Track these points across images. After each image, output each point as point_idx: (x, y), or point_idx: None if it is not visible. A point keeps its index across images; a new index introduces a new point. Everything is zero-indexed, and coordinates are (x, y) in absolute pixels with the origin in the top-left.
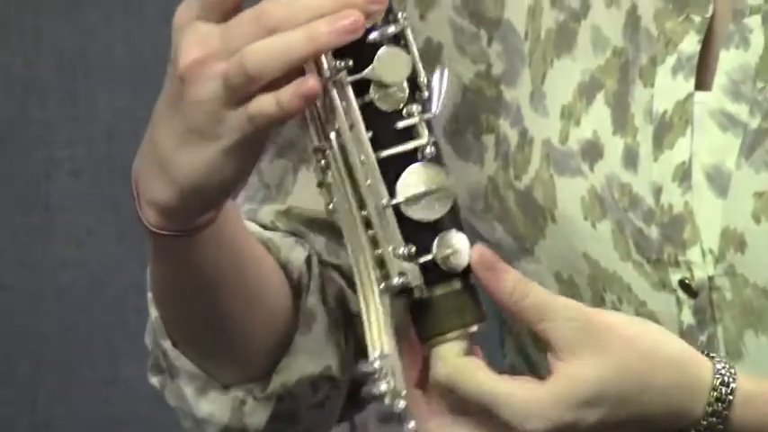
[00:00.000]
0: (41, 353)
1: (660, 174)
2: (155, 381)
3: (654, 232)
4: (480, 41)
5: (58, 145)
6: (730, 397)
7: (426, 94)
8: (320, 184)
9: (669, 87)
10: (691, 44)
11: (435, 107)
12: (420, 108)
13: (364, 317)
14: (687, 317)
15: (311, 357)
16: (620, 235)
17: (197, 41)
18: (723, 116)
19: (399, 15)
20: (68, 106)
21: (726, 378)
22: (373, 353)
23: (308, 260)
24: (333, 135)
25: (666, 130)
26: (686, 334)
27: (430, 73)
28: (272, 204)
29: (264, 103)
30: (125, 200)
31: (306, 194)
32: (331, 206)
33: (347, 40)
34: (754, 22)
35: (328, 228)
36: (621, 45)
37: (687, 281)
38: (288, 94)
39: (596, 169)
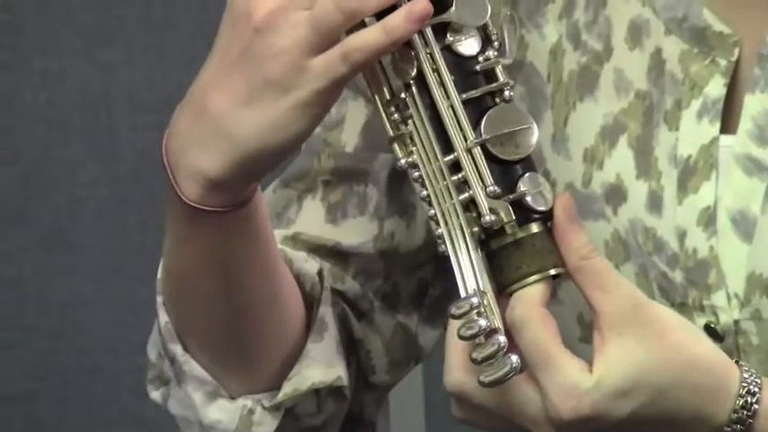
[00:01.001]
0: (65, 393)
1: (684, 218)
2: (156, 395)
3: (678, 276)
4: None
5: (81, 184)
6: (756, 406)
7: (497, 43)
8: (392, 140)
9: (694, 131)
10: (716, 88)
11: (509, 52)
12: (496, 53)
13: (454, 264)
14: None
15: (323, 365)
16: (644, 279)
17: None
18: (748, 161)
19: None
20: (91, 146)
21: (752, 387)
22: (469, 291)
23: (320, 273)
24: (411, 82)
25: (691, 174)
26: None
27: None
28: (278, 230)
29: (365, 37)
30: (149, 240)
31: (311, 222)
32: (403, 161)
33: None
34: None
35: (334, 255)
36: (645, 88)
37: (713, 325)
38: (397, 19)
39: (620, 213)
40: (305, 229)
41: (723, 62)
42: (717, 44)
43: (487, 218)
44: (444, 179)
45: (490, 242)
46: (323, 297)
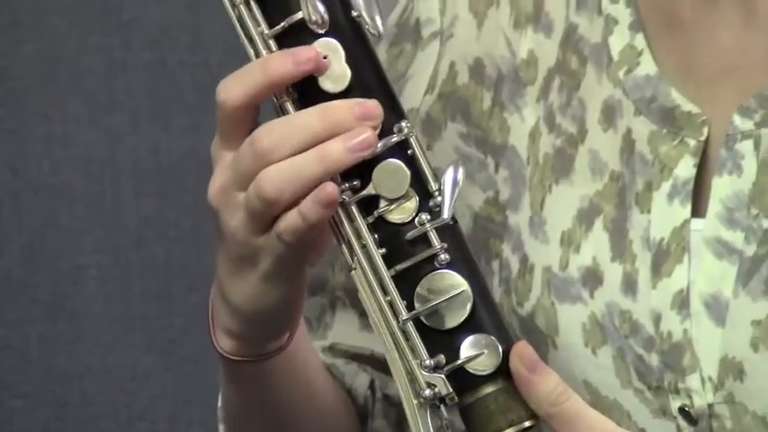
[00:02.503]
0: None
1: (659, 301)
2: None
3: (654, 360)
4: (488, 168)
5: (84, 252)
6: None
7: (439, 198)
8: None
9: (665, 214)
10: (686, 169)
11: (447, 211)
12: (429, 216)
13: (412, 428)
14: None
15: None
16: (621, 362)
17: (220, 171)
18: (719, 244)
19: (403, 123)
20: (95, 213)
21: None
22: None
23: (372, 384)
24: (354, 256)
25: (664, 257)
26: None
27: (441, 173)
28: (316, 341)
29: (289, 219)
30: (152, 308)
31: (347, 331)
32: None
33: (360, 157)
34: (746, 147)
35: (372, 362)
36: (618, 169)
37: (687, 408)
38: (308, 204)
39: (596, 296)
40: (341, 338)
41: (692, 142)
42: (685, 124)
43: (426, 392)
44: (390, 350)
45: (447, 405)
46: (375, 410)
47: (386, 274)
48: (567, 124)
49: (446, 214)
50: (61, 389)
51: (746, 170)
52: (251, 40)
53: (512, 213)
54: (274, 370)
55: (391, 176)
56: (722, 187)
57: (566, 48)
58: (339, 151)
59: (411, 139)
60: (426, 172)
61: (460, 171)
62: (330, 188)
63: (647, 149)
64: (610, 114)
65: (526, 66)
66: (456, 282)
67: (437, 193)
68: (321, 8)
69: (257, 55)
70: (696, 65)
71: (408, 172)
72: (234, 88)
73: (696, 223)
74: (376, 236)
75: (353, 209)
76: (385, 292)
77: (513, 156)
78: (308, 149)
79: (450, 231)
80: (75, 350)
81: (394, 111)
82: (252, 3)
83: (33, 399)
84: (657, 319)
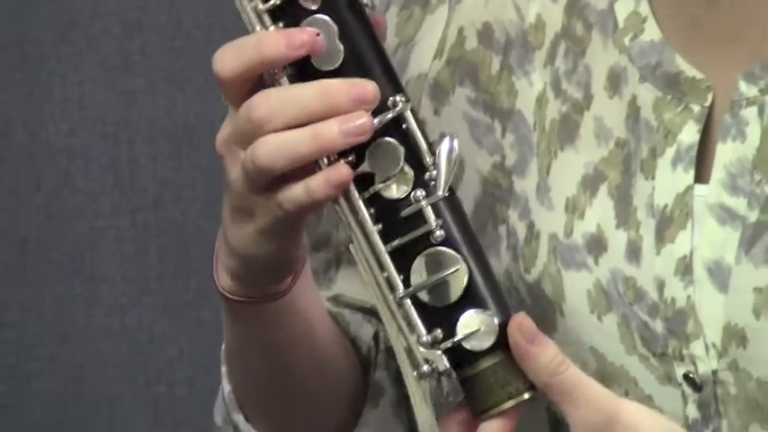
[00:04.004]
0: (85, 423)
1: (663, 268)
2: None
3: (659, 326)
4: (495, 133)
5: (101, 214)
6: None
7: (435, 172)
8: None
9: (669, 180)
10: (690, 134)
11: (442, 186)
12: (424, 193)
13: (412, 399)
14: (692, 411)
15: (380, 431)
16: (625, 329)
17: (227, 122)
18: (722, 210)
19: (398, 98)
20: (112, 175)
21: None
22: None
23: (376, 336)
24: (351, 232)
25: (668, 223)
26: (691, 428)
27: (437, 145)
28: (321, 291)
29: (295, 191)
30: (169, 269)
31: (351, 283)
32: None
33: (354, 142)
34: (750, 114)
35: (375, 314)
36: (624, 136)
37: (691, 375)
38: (318, 182)
39: (601, 263)
40: (345, 290)
41: (696, 108)
42: (690, 90)
43: (425, 368)
44: (389, 324)
45: (444, 378)
46: (378, 361)
47: (382, 250)
48: (573, 90)
49: (441, 190)
50: (78, 351)
51: (750, 136)
52: (245, 14)
53: (518, 179)
54: (274, 313)
55: (386, 154)
56: (726, 153)
57: (571, 13)
58: (334, 133)
59: (406, 114)
60: (422, 147)
61: (455, 142)
62: (344, 170)
63: (651, 116)
64: (615, 81)
65: (534, 30)
66: (452, 258)
67: (433, 168)
68: None
69: (252, 29)
70: (701, 32)
71: (402, 149)
72: (227, 61)
73: (699, 189)
74: (372, 211)
75: (350, 185)
76: (382, 267)
77: (520, 120)
78: (302, 125)
79: (447, 205)
80: (93, 312)
81: (390, 84)
82: None
83: (50, 361)
84: (661, 286)
